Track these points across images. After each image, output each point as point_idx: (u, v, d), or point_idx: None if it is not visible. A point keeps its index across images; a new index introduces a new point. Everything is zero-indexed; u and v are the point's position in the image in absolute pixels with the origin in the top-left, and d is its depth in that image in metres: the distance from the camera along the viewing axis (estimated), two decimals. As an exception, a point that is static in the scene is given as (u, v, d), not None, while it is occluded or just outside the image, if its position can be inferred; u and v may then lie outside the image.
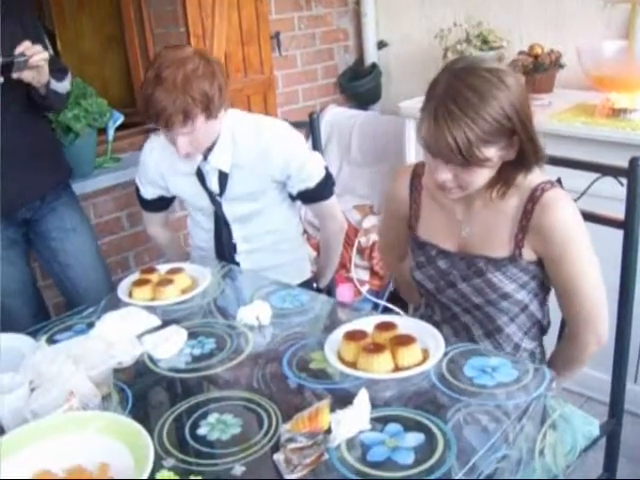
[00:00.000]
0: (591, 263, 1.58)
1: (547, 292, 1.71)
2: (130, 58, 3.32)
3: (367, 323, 1.56)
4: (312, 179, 2.15)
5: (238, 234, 2.23)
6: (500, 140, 1.45)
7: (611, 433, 1.89)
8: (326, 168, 2.20)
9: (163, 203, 2.36)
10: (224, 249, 2.26)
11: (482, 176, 1.51)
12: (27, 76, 2.04)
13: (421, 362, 1.44)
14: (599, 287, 1.60)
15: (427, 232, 1.75)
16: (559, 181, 1.80)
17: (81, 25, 3.39)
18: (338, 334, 1.53)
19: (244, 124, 2.12)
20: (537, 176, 1.58)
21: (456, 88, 1.43)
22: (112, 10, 3.33)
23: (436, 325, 1.77)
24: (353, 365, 1.44)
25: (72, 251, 2.44)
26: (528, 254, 1.60)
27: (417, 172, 1.77)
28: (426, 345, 1.48)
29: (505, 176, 1.55)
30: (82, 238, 2.46)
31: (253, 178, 2.11)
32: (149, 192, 2.30)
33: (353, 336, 1.49)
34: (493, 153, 1.46)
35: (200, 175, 2.13)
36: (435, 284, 1.73)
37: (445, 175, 1.50)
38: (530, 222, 1.57)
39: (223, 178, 2.11)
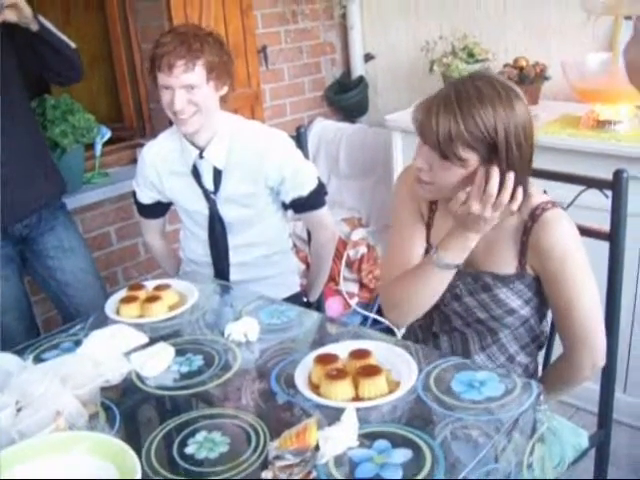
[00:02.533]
0: (588, 284, 1.57)
1: (547, 308, 1.70)
2: (117, 74, 3.33)
3: (345, 348, 1.55)
4: (305, 187, 2.18)
5: (232, 242, 2.25)
6: (480, 149, 1.45)
7: (600, 444, 1.90)
8: (319, 178, 2.24)
9: (160, 209, 2.38)
10: (219, 258, 2.27)
11: (454, 176, 1.49)
12: (11, 17, 2.06)
13: (385, 394, 1.41)
14: (596, 308, 1.59)
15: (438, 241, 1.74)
16: (544, 194, 1.81)
17: (68, 41, 3.39)
18: (313, 356, 1.53)
19: (243, 127, 2.19)
20: (538, 196, 1.59)
21: (463, 84, 1.46)
22: (99, 26, 3.33)
23: (434, 336, 1.77)
24: (318, 388, 1.44)
25: (70, 270, 2.44)
26: (529, 271, 1.61)
27: None
28: (399, 376, 1.47)
29: None
30: (80, 257, 2.47)
31: (247, 180, 2.15)
32: (146, 196, 2.32)
33: (322, 360, 1.49)
34: (471, 157, 1.46)
35: (195, 173, 2.17)
36: (440, 296, 1.72)
37: (423, 162, 1.50)
38: (529, 240, 1.57)
39: (217, 175, 2.15)
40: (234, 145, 2.14)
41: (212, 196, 2.19)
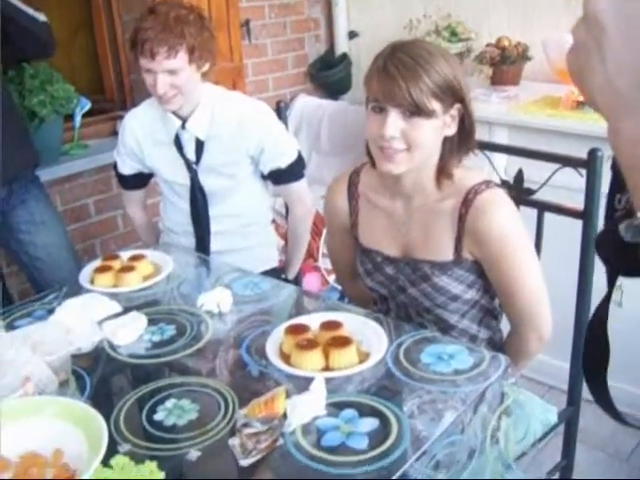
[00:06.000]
0: (530, 265, 1.57)
1: None
2: (98, 44, 3.29)
3: (316, 319, 1.56)
4: (284, 159, 2.20)
5: (212, 212, 2.26)
6: (445, 99, 1.48)
7: (569, 420, 1.92)
8: (299, 152, 2.25)
9: (141, 180, 2.38)
10: (200, 227, 2.28)
11: (425, 131, 1.49)
12: None
13: (355, 365, 1.42)
14: (539, 288, 1.58)
15: (369, 239, 1.72)
16: (520, 172, 1.82)
17: (49, 11, 3.33)
18: (284, 326, 1.53)
19: (225, 98, 2.20)
20: (473, 176, 1.57)
21: (405, 47, 1.49)
22: (80, -5, 3.29)
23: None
24: (289, 358, 1.45)
25: (42, 244, 2.41)
26: (466, 256, 1.59)
27: (353, 180, 1.75)
28: (369, 347, 1.48)
29: (445, 160, 1.55)
30: (52, 232, 2.43)
31: (228, 150, 2.16)
32: (127, 166, 2.32)
33: (293, 330, 1.50)
34: (437, 108, 1.48)
35: (178, 143, 2.18)
36: (387, 289, 1.72)
37: (393, 129, 1.47)
38: (465, 226, 1.54)
39: (199, 146, 2.16)
40: (216, 115, 2.15)
41: (194, 166, 2.19)
